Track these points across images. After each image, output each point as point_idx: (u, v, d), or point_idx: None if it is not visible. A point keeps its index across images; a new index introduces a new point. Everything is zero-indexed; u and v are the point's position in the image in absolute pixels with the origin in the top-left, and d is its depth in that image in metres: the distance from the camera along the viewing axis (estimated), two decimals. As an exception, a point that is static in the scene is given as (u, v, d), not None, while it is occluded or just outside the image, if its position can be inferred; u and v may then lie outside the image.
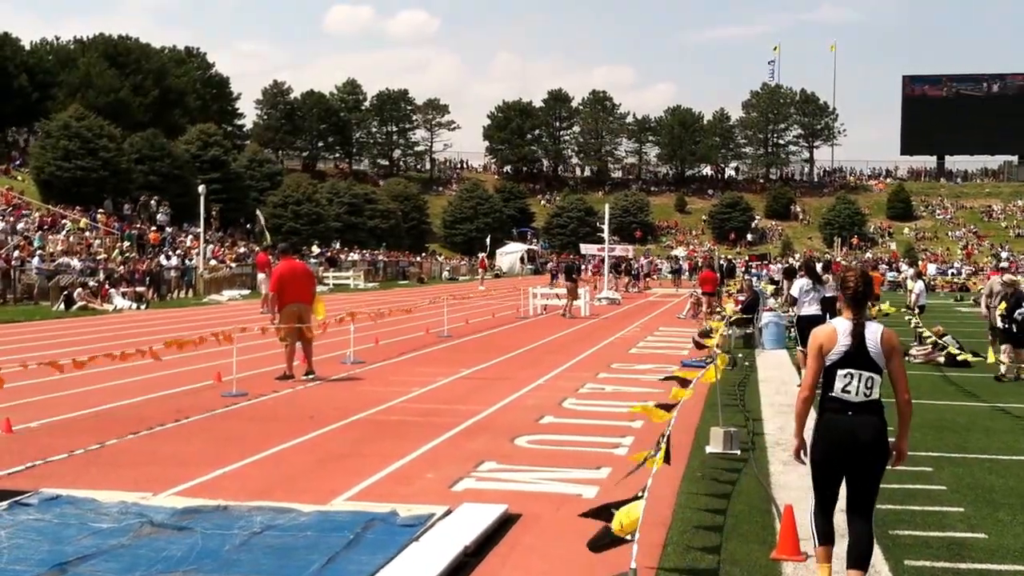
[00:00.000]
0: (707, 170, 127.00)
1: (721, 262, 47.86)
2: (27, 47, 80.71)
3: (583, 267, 57.35)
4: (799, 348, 16.37)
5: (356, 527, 7.24)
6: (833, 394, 6.02)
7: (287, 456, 10.12)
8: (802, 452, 6.27)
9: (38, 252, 38.79)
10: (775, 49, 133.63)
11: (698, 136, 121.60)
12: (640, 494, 5.86)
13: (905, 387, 6.02)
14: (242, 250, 56.38)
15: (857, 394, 5.95)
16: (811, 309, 16.21)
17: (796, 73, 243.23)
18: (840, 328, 6.07)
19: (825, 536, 6.16)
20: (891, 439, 6.10)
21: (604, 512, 5.89)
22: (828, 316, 14.13)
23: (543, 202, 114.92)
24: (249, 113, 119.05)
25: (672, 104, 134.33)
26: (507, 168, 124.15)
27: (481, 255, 72.56)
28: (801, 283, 16.61)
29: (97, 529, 7.22)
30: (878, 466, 6.01)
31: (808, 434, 6.19)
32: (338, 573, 6.32)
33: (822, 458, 6.08)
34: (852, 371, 5.97)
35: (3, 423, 11.12)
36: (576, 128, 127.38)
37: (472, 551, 6.83)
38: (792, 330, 20.37)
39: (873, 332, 6.01)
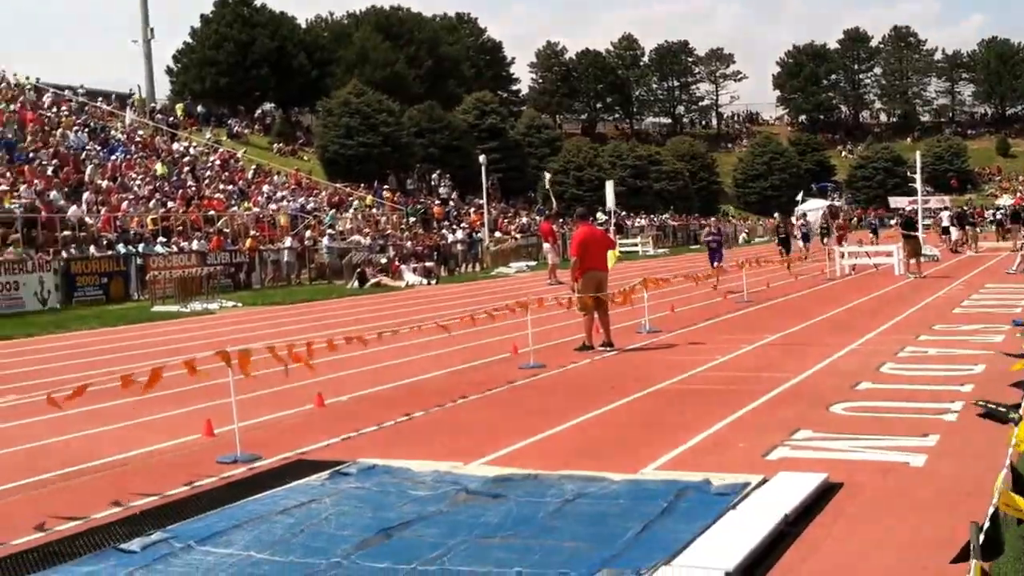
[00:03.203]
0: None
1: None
2: (303, 25, 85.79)
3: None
4: None
5: (669, 495, 7.48)
6: None
7: (590, 426, 10.50)
8: None
9: (328, 231, 41.36)
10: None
11: (1019, 70, 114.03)
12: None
13: None
14: (524, 220, 57.89)
15: None
16: None
17: None
18: None
19: None
20: None
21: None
22: None
23: (844, 153, 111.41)
24: (524, 78, 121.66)
25: (987, 36, 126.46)
26: (802, 118, 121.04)
27: (777, 214, 70.94)
28: None
29: (415, 497, 7.80)
30: None
31: None
32: (654, 540, 6.56)
33: None
34: None
35: (316, 398, 12.11)
36: (877, 70, 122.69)
37: (793, 520, 6.92)
38: None
39: None
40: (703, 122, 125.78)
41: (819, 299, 24.27)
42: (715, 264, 30.26)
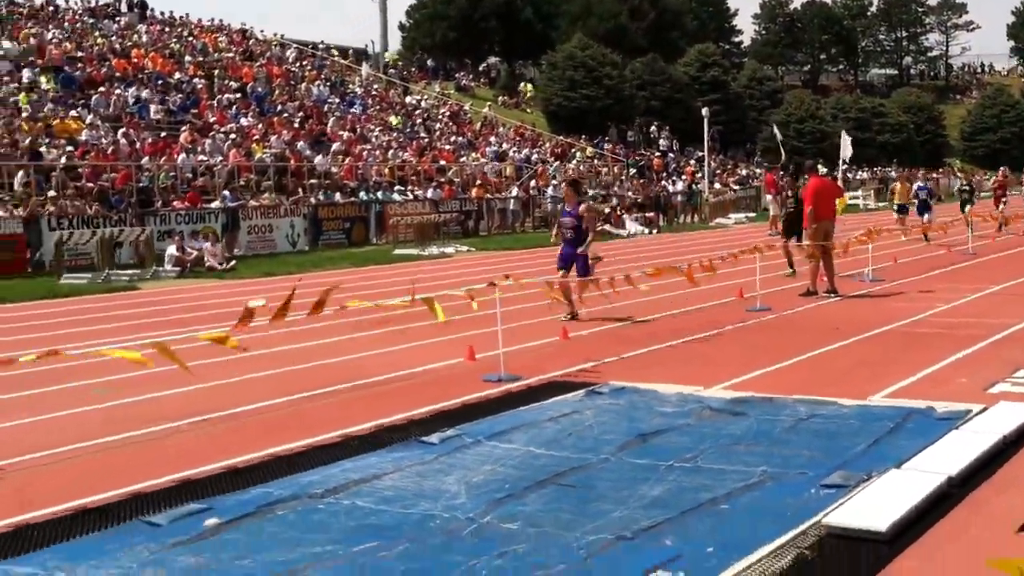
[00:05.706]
0: None
1: None
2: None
3: None
4: None
5: (896, 418, 8.27)
6: None
7: (818, 361, 11.27)
8: None
9: (552, 182, 42.62)
10: None
11: None
12: None
13: None
14: (743, 173, 57.85)
15: None
16: None
17: None
18: None
19: None
20: None
21: None
22: None
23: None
24: (747, 29, 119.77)
25: None
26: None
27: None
28: None
29: (663, 412, 8.83)
30: None
31: None
32: (882, 454, 7.38)
33: None
34: None
35: (561, 331, 13.28)
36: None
37: (1012, 440, 7.61)
38: None
39: None
40: (931, 73, 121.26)
41: (1048, 254, 24.08)
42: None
